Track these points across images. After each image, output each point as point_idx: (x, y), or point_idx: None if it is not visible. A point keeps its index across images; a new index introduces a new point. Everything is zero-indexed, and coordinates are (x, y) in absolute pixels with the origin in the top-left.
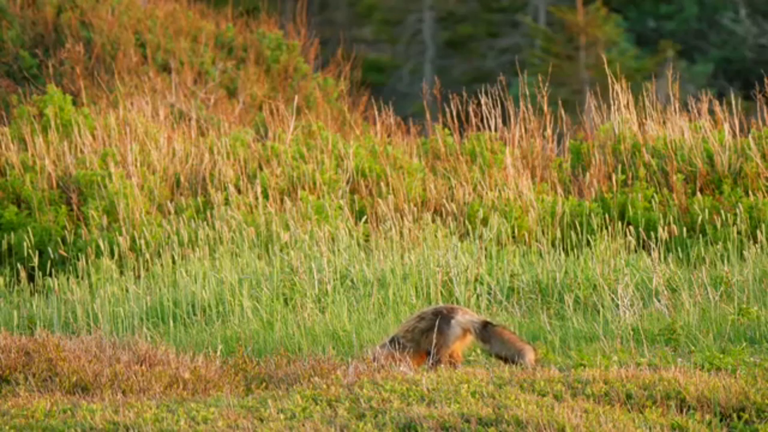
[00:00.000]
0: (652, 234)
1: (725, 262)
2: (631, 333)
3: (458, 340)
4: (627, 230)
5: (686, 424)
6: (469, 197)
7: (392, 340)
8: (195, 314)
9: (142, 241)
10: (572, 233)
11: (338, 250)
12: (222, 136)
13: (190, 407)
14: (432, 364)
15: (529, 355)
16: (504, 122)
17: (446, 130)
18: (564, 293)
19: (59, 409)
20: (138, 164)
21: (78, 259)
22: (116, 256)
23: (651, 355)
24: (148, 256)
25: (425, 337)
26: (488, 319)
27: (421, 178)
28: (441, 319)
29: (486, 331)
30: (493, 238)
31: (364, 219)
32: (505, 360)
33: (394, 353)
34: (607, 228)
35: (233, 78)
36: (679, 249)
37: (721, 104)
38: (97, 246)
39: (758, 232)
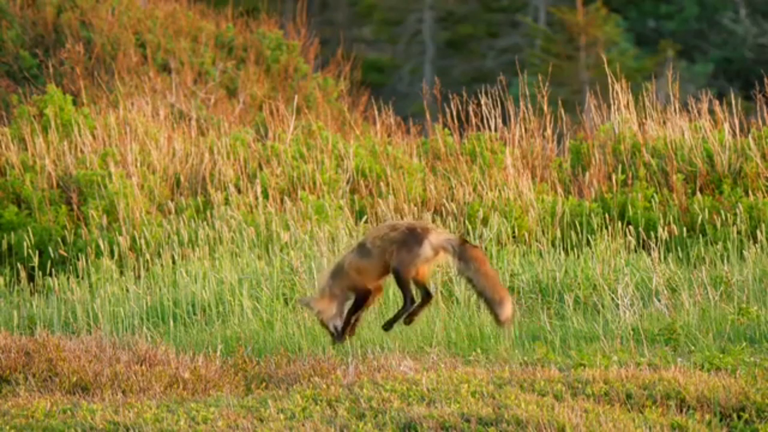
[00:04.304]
0: (652, 234)
1: (725, 262)
2: (631, 333)
3: (427, 261)
4: (627, 230)
5: (686, 423)
6: (469, 197)
7: (360, 246)
8: (195, 314)
9: (142, 241)
10: (572, 233)
11: (338, 250)
12: (222, 136)
13: (190, 407)
14: (399, 285)
15: (507, 308)
16: (504, 122)
17: (446, 130)
18: (564, 293)
19: (59, 409)
20: (138, 164)
21: (78, 259)
22: (116, 256)
23: (651, 355)
24: (148, 256)
25: (394, 250)
26: (467, 238)
27: (421, 178)
28: (412, 236)
29: (464, 249)
30: (493, 238)
31: (364, 219)
32: (483, 299)
33: (360, 262)
34: (607, 228)
35: (233, 78)
36: (679, 249)
37: (721, 104)
38: (97, 246)
39: (758, 232)
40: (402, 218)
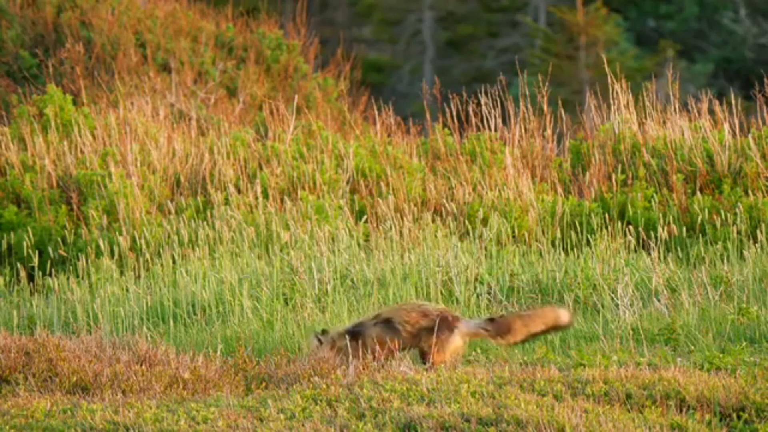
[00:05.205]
0: (652, 234)
1: (725, 261)
2: (631, 333)
3: (457, 349)
4: (627, 230)
5: (686, 423)
6: (469, 197)
7: (386, 321)
8: (195, 314)
9: (142, 241)
10: (572, 233)
11: (338, 250)
12: (222, 136)
13: (190, 407)
14: (427, 366)
15: (563, 315)
16: (504, 122)
17: (446, 130)
18: (564, 293)
19: (59, 409)
20: (138, 164)
21: (78, 259)
22: (116, 256)
23: (651, 355)
24: (148, 256)
25: (424, 336)
26: (490, 315)
27: (421, 178)
28: (443, 323)
29: (497, 325)
30: (493, 238)
31: (364, 219)
32: (546, 332)
33: (384, 336)
34: (607, 228)
35: (233, 78)
36: (679, 249)
37: (721, 104)
38: (97, 246)
39: (758, 231)
40: (402, 219)
